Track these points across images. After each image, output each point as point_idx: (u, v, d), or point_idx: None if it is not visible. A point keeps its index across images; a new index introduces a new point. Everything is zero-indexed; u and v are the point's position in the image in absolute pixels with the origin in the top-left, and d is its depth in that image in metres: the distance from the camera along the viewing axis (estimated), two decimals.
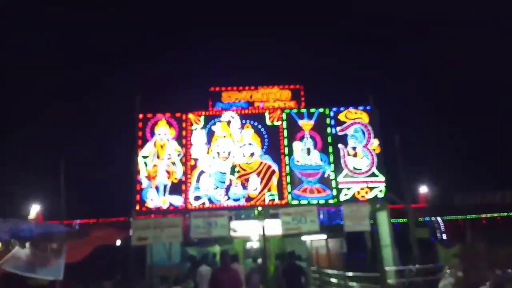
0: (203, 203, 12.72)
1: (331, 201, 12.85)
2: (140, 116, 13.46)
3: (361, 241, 14.72)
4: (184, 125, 13.44)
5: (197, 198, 12.78)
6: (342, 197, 12.87)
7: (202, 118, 13.53)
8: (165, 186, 12.91)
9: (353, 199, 12.83)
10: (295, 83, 14.27)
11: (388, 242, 12.97)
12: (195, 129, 13.47)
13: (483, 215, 20.38)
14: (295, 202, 12.75)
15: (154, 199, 12.77)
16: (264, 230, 12.03)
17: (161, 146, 13.36)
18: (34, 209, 18.09)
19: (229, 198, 12.77)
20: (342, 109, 13.76)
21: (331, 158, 13.21)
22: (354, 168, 13.15)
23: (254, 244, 15.59)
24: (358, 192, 12.93)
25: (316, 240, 16.54)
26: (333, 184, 12.98)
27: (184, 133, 13.41)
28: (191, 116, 13.54)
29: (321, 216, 14.95)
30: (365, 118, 13.70)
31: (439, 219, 20.52)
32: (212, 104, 13.87)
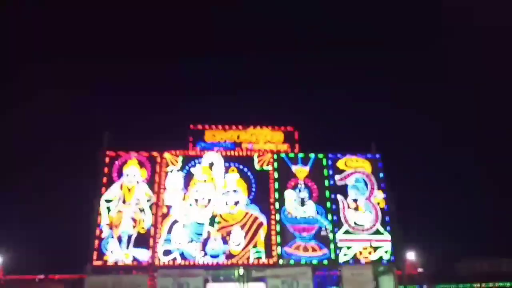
0: (174, 259, 10.47)
1: (326, 262, 10.70)
2: (109, 153, 11.54)
3: None
4: (158, 167, 11.51)
5: (167, 252, 10.55)
6: (342, 258, 10.78)
7: (180, 159, 11.68)
8: (129, 237, 10.70)
9: (355, 261, 10.73)
10: (288, 124, 12.67)
11: None
12: (171, 171, 11.55)
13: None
14: (285, 261, 10.56)
15: (115, 252, 10.49)
16: None
17: (129, 189, 11.33)
18: None
19: (206, 254, 10.57)
20: (340, 155, 12.08)
21: (329, 211, 11.27)
22: (356, 224, 11.20)
23: None
24: (360, 252, 10.88)
25: None
26: (331, 241, 10.91)
27: (157, 176, 11.46)
28: (167, 155, 11.69)
29: None
30: (367, 167, 12.02)
31: None
32: (192, 143, 12.08)
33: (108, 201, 11.15)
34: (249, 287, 10.35)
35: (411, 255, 19.29)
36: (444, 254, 21.31)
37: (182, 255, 10.53)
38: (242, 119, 12.73)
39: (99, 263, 10.34)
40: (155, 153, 11.67)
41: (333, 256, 10.75)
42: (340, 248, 10.88)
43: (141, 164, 11.61)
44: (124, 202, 11.15)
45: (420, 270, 18.82)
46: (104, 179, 11.33)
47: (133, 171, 11.54)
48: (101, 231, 10.73)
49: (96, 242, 10.56)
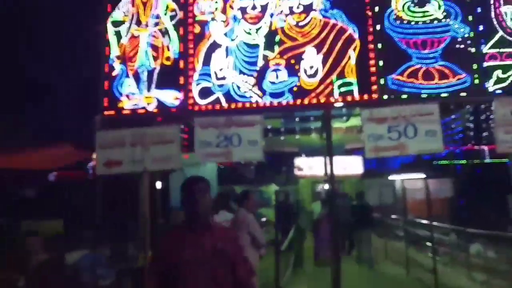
0: (217, 101, 6.87)
1: (465, 93, 6.38)
2: None
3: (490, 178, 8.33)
4: None
5: (206, 92, 6.94)
6: (491, 86, 6.33)
7: None
8: (150, 73, 7.18)
9: None
10: None
11: None
12: None
13: None
14: (392, 96, 6.47)
15: (133, 95, 7.16)
16: (331, 157, 6.22)
17: (144, 3, 7.45)
18: None
19: (264, 92, 6.78)
20: None
21: (469, 11, 6.52)
22: None
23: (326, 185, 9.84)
24: None
25: (410, 180, 10.40)
26: (473, 60, 6.41)
27: None
28: None
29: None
30: None
31: None
32: None
33: (116, 23, 7.48)
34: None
35: None
36: None
37: (228, 95, 6.88)
38: None
39: (111, 112, 7.16)
40: None
41: (476, 83, 6.35)
42: (489, 71, 6.38)
43: None
44: (138, 23, 7.41)
45: None
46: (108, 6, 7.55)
47: None
48: (111, 68, 7.32)
49: (106, 83, 7.26)
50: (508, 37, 6.39)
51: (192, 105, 6.87)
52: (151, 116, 7.00)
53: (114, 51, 7.34)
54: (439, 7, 6.58)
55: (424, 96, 6.31)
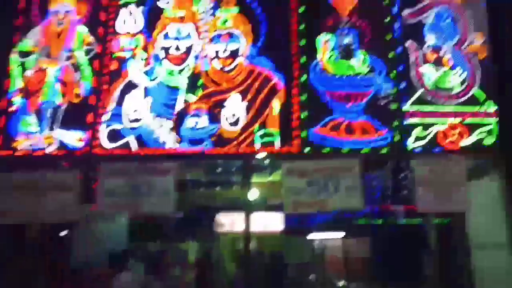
0: (127, 145, 6.24)
1: (386, 150, 6.26)
2: None
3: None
4: None
5: (116, 134, 6.30)
6: (411, 143, 6.28)
7: None
8: (54, 110, 6.45)
9: (434, 147, 6.28)
10: None
11: (502, 240, 6.36)
12: (124, 5, 6.88)
13: None
14: (314, 149, 6.21)
15: (32, 134, 6.35)
16: (247, 212, 5.76)
17: (58, 34, 6.82)
18: None
19: (181, 137, 6.27)
20: None
21: (392, 67, 6.56)
22: (437, 87, 6.51)
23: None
24: (444, 134, 6.32)
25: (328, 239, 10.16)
26: (395, 116, 6.37)
27: (103, 13, 6.87)
28: None
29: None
30: None
31: None
32: None
33: (23, 53, 6.75)
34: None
35: None
36: None
37: (141, 139, 6.28)
38: None
39: (6, 152, 6.27)
40: None
41: (397, 140, 6.27)
42: (410, 128, 6.35)
43: None
44: (48, 55, 6.72)
45: None
46: (19, 20, 6.86)
47: (65, 6, 6.95)
48: (9, 102, 6.50)
49: (2, 119, 6.41)
50: (427, 96, 6.43)
51: (98, 148, 6.17)
52: (50, 159, 6.18)
53: (17, 84, 6.56)
54: (364, 61, 6.55)
55: (345, 150, 6.09)
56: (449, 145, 6.28)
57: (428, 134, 6.30)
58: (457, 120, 6.38)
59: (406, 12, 6.86)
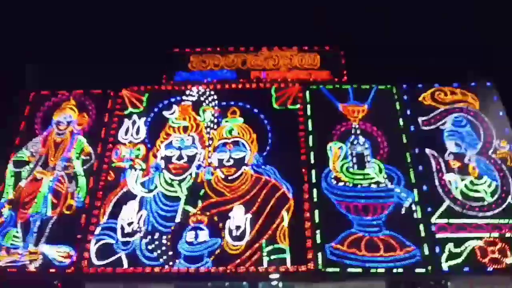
0: (118, 263, 5.49)
1: (417, 270, 5.33)
2: (32, 94, 7.06)
3: None
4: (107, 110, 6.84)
5: (107, 250, 5.62)
6: (444, 262, 5.37)
7: (145, 97, 6.88)
8: (44, 223, 5.89)
9: (471, 266, 5.34)
10: (327, 41, 7.60)
11: None
12: (129, 115, 6.78)
13: None
14: (330, 268, 5.33)
15: (15, 249, 5.69)
16: None
17: (57, 144, 6.62)
18: None
19: (177, 254, 5.51)
20: (421, 86, 6.87)
21: (410, 175, 5.99)
22: (465, 196, 5.83)
23: None
24: (481, 250, 5.43)
25: None
26: (421, 229, 5.58)
27: (104, 123, 6.75)
28: (126, 94, 6.93)
29: None
30: (472, 101, 6.71)
31: None
32: (167, 75, 7.24)
33: (19, 163, 6.46)
34: None
35: None
36: None
37: (133, 256, 5.52)
38: (249, 37, 7.77)
39: None
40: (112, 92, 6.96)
41: (426, 256, 5.37)
42: (440, 243, 5.50)
43: (82, 106, 6.94)
44: (45, 165, 6.40)
45: None
46: (17, 140, 6.70)
47: (67, 117, 6.87)
48: None
49: None
50: (456, 207, 5.72)
51: (86, 266, 5.42)
52: (33, 276, 5.43)
53: (7, 194, 6.14)
54: (380, 170, 6.03)
55: (371, 270, 5.19)
56: (490, 264, 5.35)
57: (464, 251, 5.43)
58: (495, 234, 5.54)
59: (421, 118, 6.56)
